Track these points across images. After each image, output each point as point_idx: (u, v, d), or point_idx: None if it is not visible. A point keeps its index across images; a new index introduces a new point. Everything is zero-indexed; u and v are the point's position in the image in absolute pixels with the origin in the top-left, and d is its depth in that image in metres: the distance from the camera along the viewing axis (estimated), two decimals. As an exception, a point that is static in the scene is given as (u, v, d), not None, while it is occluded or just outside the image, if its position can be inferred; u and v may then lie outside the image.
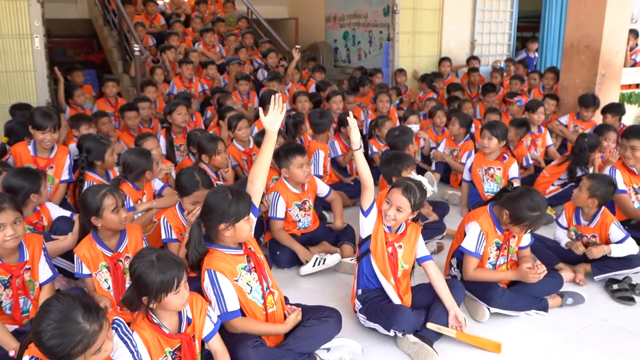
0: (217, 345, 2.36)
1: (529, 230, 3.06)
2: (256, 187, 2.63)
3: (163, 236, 3.19)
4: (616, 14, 6.11)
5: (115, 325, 2.09)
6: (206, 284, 2.45)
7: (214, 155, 4.17)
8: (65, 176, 4.11)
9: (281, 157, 3.70)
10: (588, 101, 6.04)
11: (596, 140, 4.72)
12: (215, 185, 3.33)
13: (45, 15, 5.97)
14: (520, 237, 3.18)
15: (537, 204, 2.91)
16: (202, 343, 2.36)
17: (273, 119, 2.60)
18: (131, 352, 2.09)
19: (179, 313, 2.27)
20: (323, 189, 3.97)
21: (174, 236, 3.18)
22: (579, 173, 4.62)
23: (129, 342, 2.11)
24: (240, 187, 2.64)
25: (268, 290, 2.58)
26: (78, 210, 3.11)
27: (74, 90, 5.99)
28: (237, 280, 2.47)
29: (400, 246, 2.88)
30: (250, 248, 2.59)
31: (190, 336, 2.28)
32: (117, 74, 8.67)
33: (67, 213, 3.55)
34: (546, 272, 2.97)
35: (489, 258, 3.10)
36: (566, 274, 3.46)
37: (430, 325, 2.76)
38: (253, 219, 2.59)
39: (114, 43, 9.05)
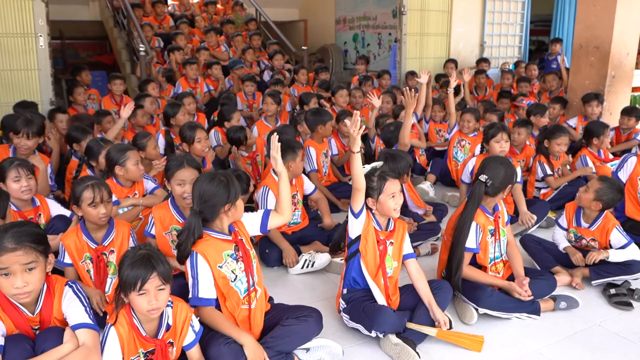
0: (195, 354, 2.34)
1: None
2: (282, 219, 2.74)
3: (146, 228, 3.18)
4: (627, 14, 5.96)
5: (70, 283, 2.25)
6: (188, 263, 2.44)
7: (194, 144, 4.18)
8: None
9: (288, 151, 3.69)
10: (588, 96, 5.90)
11: (553, 129, 4.75)
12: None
13: (56, 17, 6.04)
14: (503, 217, 3.14)
15: (499, 159, 3.10)
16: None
17: (275, 161, 2.68)
18: (84, 305, 2.21)
19: (160, 317, 2.24)
20: (309, 186, 3.96)
21: (153, 232, 3.16)
22: (547, 169, 4.66)
23: (82, 297, 2.23)
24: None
25: (253, 287, 2.54)
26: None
27: (75, 88, 6.00)
28: (220, 267, 2.45)
29: (392, 242, 2.83)
30: (241, 239, 2.56)
31: (166, 342, 2.24)
32: (125, 74, 8.72)
33: (67, 212, 3.51)
34: (532, 297, 2.95)
35: (489, 251, 3.04)
36: (563, 277, 3.35)
37: (410, 325, 2.69)
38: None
39: (123, 44, 9.12)
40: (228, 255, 2.48)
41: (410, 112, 4.36)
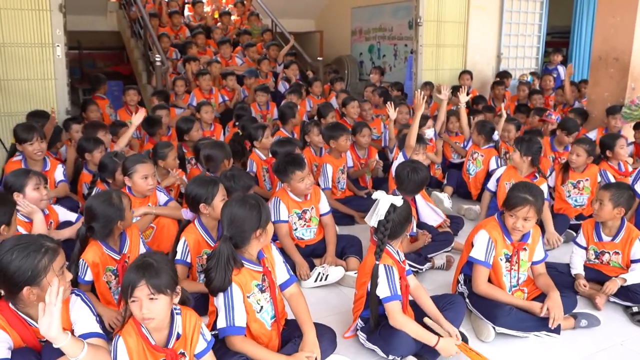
0: None
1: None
2: None
3: (177, 256, 3.05)
4: (647, 25, 5.87)
5: (77, 292, 2.25)
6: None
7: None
8: (60, 177, 4.23)
9: (281, 171, 3.62)
10: (614, 108, 5.79)
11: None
12: None
13: (74, 27, 6.07)
14: (532, 251, 3.01)
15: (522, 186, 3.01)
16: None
17: None
18: (94, 314, 2.22)
19: (170, 327, 2.18)
20: (324, 205, 3.80)
21: (189, 259, 3.06)
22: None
23: (91, 306, 2.24)
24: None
25: (275, 318, 2.52)
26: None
27: (89, 105, 6.03)
28: (248, 297, 2.40)
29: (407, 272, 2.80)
30: (268, 267, 2.52)
31: (177, 352, 2.18)
32: (141, 85, 8.78)
33: (73, 217, 3.55)
34: (559, 321, 2.82)
35: (503, 273, 2.94)
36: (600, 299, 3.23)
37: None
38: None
39: (140, 55, 9.19)
40: (255, 285, 2.44)
41: (418, 115, 4.37)
